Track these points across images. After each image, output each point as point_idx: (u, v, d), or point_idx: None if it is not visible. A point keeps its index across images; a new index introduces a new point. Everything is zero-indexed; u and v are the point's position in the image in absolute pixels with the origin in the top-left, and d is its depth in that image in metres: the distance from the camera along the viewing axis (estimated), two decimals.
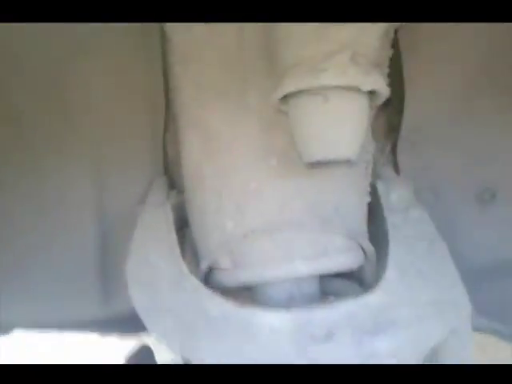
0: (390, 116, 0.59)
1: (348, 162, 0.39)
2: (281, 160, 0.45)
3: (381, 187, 0.52)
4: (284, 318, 0.42)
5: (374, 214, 0.52)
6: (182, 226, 0.53)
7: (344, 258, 0.46)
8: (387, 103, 0.53)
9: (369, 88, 0.36)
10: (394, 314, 0.42)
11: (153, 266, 0.48)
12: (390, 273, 0.45)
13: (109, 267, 0.63)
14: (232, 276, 0.47)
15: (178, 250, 0.48)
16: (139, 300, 0.45)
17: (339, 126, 0.37)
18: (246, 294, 0.50)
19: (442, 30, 0.50)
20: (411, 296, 0.42)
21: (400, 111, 0.56)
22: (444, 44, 0.53)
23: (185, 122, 0.49)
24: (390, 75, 0.45)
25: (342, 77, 0.34)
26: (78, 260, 0.62)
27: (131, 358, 0.78)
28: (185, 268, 0.46)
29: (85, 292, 0.64)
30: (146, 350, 0.79)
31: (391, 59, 0.45)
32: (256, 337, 0.41)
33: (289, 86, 0.36)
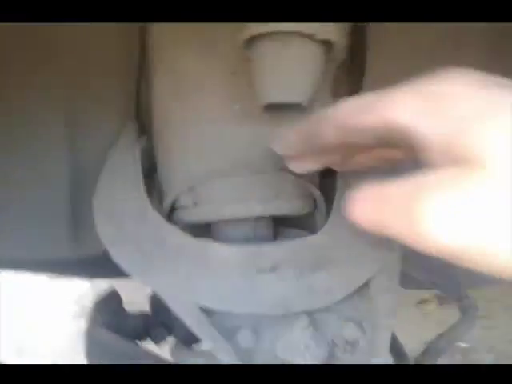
0: (350, 84, 0.62)
1: (300, 107, 0.42)
2: (244, 106, 0.48)
3: None
4: (234, 251, 0.46)
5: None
6: (151, 171, 0.56)
7: (295, 203, 0.50)
8: (349, 70, 0.57)
9: (323, 37, 0.39)
10: (332, 254, 0.46)
11: (119, 200, 0.51)
12: (333, 217, 0.49)
13: (80, 209, 0.66)
14: (192, 213, 0.50)
15: (143, 188, 0.51)
16: (105, 231, 0.49)
17: (293, 70, 0.40)
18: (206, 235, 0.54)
19: None
20: (350, 238, 0.47)
21: (360, 79, 0.60)
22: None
23: (157, 64, 0.52)
24: (352, 47, 0.48)
25: (300, 24, 0.38)
26: (49, 200, 0.65)
27: (98, 302, 0.82)
28: (148, 204, 0.50)
29: (56, 232, 0.67)
30: (114, 295, 0.83)
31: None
32: (207, 266, 0.45)
33: (251, 30, 0.40)
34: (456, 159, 0.23)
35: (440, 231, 0.22)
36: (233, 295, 0.43)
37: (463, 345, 1.64)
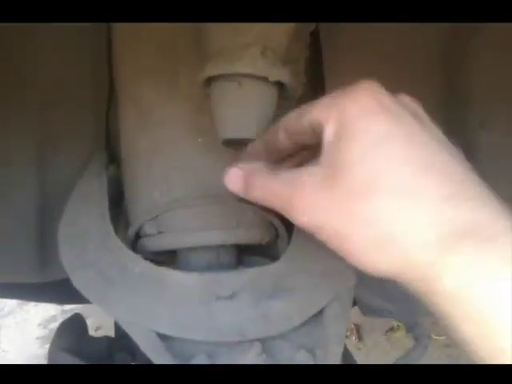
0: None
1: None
2: (206, 139, 0.50)
3: None
4: (193, 279, 0.47)
5: None
6: (119, 199, 0.57)
7: (256, 232, 0.52)
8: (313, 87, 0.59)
9: (274, 79, 0.42)
10: (290, 281, 0.48)
11: (82, 227, 0.52)
12: (293, 246, 0.51)
13: (47, 235, 0.66)
14: (156, 241, 0.52)
15: (107, 215, 0.52)
16: (66, 256, 0.50)
17: (247, 109, 0.42)
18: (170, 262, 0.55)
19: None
20: (307, 266, 0.49)
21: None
22: (365, 34, 0.57)
23: (123, 98, 0.54)
24: (313, 74, 0.51)
25: (253, 67, 0.40)
26: (17, 225, 0.65)
27: (62, 326, 0.82)
28: (111, 230, 0.51)
29: (24, 257, 0.67)
30: (78, 319, 0.83)
31: (311, 59, 0.51)
32: (167, 293, 0.46)
33: (210, 71, 0.42)
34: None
35: (301, 215, 0.34)
36: (191, 322, 0.44)
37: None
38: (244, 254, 0.57)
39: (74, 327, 0.81)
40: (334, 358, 0.42)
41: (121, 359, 0.77)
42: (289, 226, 0.56)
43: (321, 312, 0.46)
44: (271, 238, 0.55)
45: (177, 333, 0.44)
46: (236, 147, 0.45)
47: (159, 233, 0.52)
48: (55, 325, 2.24)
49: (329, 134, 0.32)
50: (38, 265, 0.68)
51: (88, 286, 0.47)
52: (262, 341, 0.43)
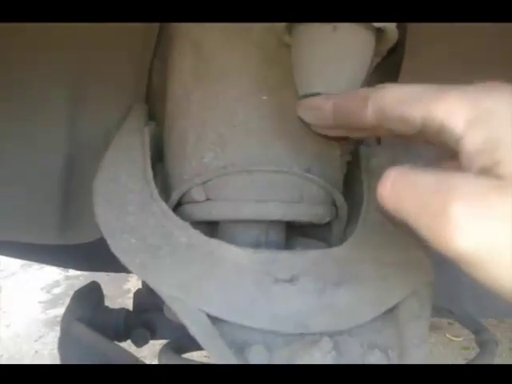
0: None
1: None
2: (272, 96, 0.43)
3: (362, 151, 0.52)
4: (249, 256, 0.41)
5: (352, 176, 0.51)
6: (155, 161, 0.51)
7: (317, 209, 0.46)
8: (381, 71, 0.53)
9: (378, 23, 0.35)
10: (358, 269, 0.41)
11: (122, 186, 0.46)
12: (360, 230, 0.45)
13: (72, 194, 0.61)
14: (203, 209, 0.45)
15: (150, 175, 0.46)
16: (104, 217, 0.43)
17: (343, 58, 0.35)
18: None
19: None
20: (377, 255, 0.42)
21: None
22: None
23: (180, 42, 0.47)
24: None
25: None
26: (41, 181, 0.60)
27: (78, 293, 0.76)
28: (156, 193, 0.45)
29: (45, 216, 0.62)
30: (95, 288, 0.78)
31: None
32: (219, 269, 0.40)
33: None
34: (487, 170, 0.25)
35: (465, 238, 0.23)
36: (246, 306, 0.38)
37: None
38: (291, 233, 0.51)
39: (90, 296, 0.76)
40: (412, 362, 0.36)
41: (139, 335, 0.72)
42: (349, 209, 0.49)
43: (394, 308, 0.40)
44: (331, 218, 0.48)
45: (230, 316, 0.38)
46: None
47: (207, 200, 0.45)
48: (58, 290, 2.21)
49: (474, 143, 0.26)
50: (59, 226, 0.62)
51: (129, 252, 0.40)
52: (330, 335, 0.37)
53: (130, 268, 0.40)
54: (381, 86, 0.31)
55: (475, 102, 0.26)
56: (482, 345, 0.49)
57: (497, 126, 0.25)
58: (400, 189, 0.27)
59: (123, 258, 0.40)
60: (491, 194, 0.24)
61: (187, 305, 0.38)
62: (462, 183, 0.24)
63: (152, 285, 0.39)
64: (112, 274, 2.14)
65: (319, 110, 0.36)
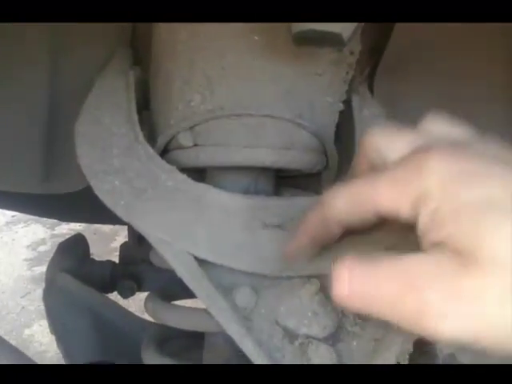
0: (377, 36, 0.57)
1: (338, 43, 0.36)
2: (264, 37, 0.41)
3: (356, 101, 0.51)
4: (238, 201, 0.40)
5: (344, 126, 0.50)
6: (141, 108, 0.49)
7: (308, 156, 0.45)
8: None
9: None
10: None
11: (106, 128, 0.44)
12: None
13: (56, 142, 0.59)
14: (190, 155, 0.44)
15: (135, 117, 0.44)
16: (87, 158, 0.42)
17: None
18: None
19: None
20: None
21: (388, 34, 0.54)
22: None
23: None
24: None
25: None
26: (24, 130, 0.58)
27: (63, 245, 0.75)
28: (141, 136, 0.43)
29: (29, 165, 0.60)
30: (80, 239, 0.77)
31: None
32: (207, 214, 0.39)
33: None
34: (440, 246, 0.24)
35: (446, 324, 0.23)
36: (234, 249, 0.38)
37: None
38: (280, 182, 0.50)
39: (75, 248, 0.76)
40: None
41: (126, 287, 0.72)
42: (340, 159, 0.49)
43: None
44: (321, 167, 0.47)
45: (217, 259, 0.37)
46: (310, 46, 0.37)
47: (195, 145, 0.44)
48: (44, 248, 2.20)
49: (424, 223, 0.25)
50: (44, 175, 0.61)
51: (113, 195, 0.39)
52: (318, 278, 0.37)
53: (114, 210, 0.39)
54: (325, 195, 0.31)
55: (407, 186, 0.26)
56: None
57: (436, 202, 0.25)
58: (360, 288, 0.26)
59: (107, 201, 0.39)
60: (459, 277, 0.23)
61: (174, 247, 0.37)
62: (426, 270, 0.24)
63: (137, 227, 0.38)
64: (99, 233, 2.14)
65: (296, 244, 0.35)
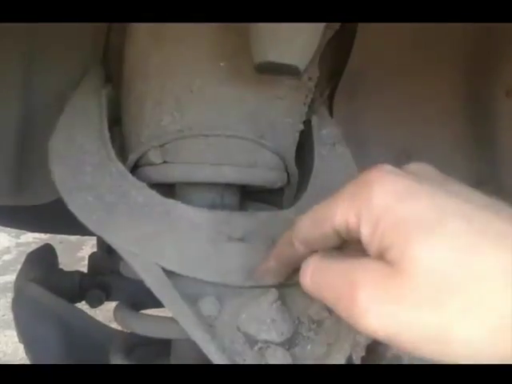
0: (335, 61, 0.61)
1: (295, 73, 0.40)
2: (229, 64, 0.45)
3: (315, 121, 0.55)
4: (204, 216, 0.43)
5: (304, 145, 0.54)
6: (112, 124, 0.51)
7: (270, 174, 0.48)
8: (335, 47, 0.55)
9: None
10: None
11: (78, 146, 0.46)
12: (308, 194, 0.48)
13: (28, 154, 0.60)
14: (159, 171, 0.47)
15: (107, 136, 0.47)
16: (60, 175, 0.44)
17: (295, 29, 0.37)
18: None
19: None
20: None
21: (346, 59, 0.58)
22: None
23: None
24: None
25: None
26: None
27: (31, 255, 0.76)
28: (112, 153, 0.46)
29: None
30: (48, 249, 0.78)
31: None
32: (175, 227, 0.42)
33: None
34: (380, 255, 0.28)
35: (373, 321, 0.27)
36: (200, 261, 0.41)
37: None
38: (246, 198, 0.53)
39: (44, 258, 0.77)
40: None
41: (94, 296, 0.73)
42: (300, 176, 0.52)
43: None
44: (283, 184, 0.51)
45: (184, 270, 0.40)
46: (270, 75, 0.41)
47: (165, 162, 0.47)
48: (9, 257, 2.16)
49: (366, 234, 0.29)
50: (13, 187, 0.62)
51: (86, 209, 0.42)
52: (277, 288, 0.40)
53: (87, 224, 0.41)
54: (296, 223, 0.36)
55: (354, 199, 0.30)
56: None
57: (376, 217, 0.28)
58: (317, 280, 0.33)
59: (80, 215, 0.41)
60: (386, 283, 0.27)
61: (143, 259, 0.40)
62: (364, 273, 0.29)
63: (108, 240, 0.41)
64: (66, 243, 2.11)
65: (265, 268, 0.40)
